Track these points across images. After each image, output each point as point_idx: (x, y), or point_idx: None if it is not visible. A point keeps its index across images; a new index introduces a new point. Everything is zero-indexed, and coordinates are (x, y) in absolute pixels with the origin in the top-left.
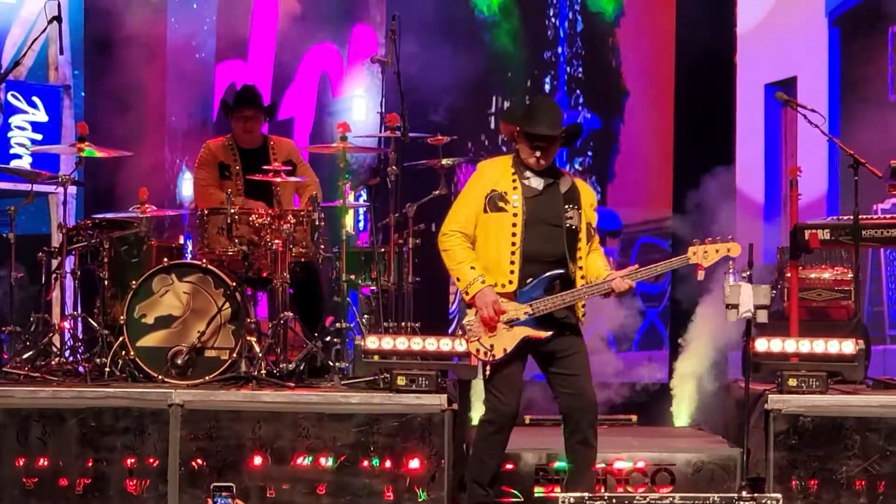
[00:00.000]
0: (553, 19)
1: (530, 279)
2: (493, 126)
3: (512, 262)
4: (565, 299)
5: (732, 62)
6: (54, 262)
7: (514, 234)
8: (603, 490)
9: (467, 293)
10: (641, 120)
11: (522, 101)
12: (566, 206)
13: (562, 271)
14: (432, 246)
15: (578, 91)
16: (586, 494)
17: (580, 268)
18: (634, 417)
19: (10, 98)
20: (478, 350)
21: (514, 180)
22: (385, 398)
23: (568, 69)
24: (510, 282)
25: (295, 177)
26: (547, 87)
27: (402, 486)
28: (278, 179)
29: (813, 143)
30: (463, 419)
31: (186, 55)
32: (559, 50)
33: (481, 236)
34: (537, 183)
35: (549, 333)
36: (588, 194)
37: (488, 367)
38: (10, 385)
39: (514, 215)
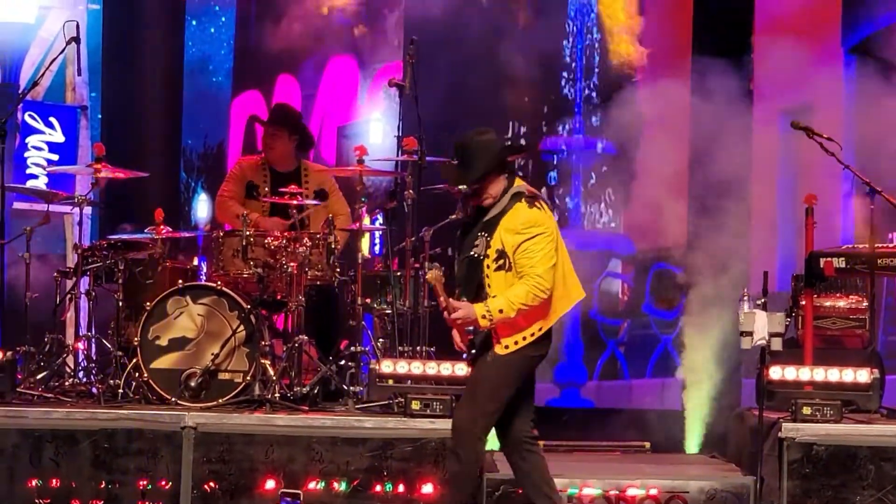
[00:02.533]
0: (570, 46)
1: None
2: None
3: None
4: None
5: (749, 89)
6: (69, 283)
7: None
8: None
9: None
10: (658, 147)
11: (539, 128)
12: (479, 234)
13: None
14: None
15: (595, 118)
16: None
17: (493, 296)
18: (648, 444)
19: (27, 118)
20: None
21: (467, 216)
22: (399, 423)
23: (585, 95)
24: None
25: (322, 202)
26: (563, 112)
27: None
28: (294, 202)
29: (829, 171)
30: None
31: (203, 78)
32: (576, 76)
33: None
34: (472, 217)
35: (469, 353)
36: (513, 219)
37: None
38: (23, 405)
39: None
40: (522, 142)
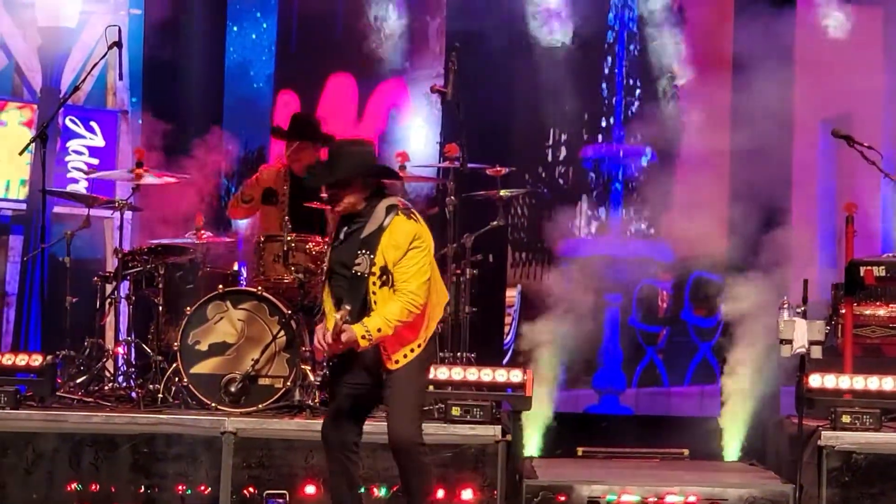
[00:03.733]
0: (611, 54)
1: None
2: (549, 158)
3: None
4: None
5: (790, 98)
6: (109, 287)
7: (325, 282)
8: None
9: None
10: (698, 155)
11: (580, 135)
12: (358, 252)
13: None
14: (489, 277)
15: (635, 125)
16: None
17: (370, 312)
18: (686, 451)
19: (68, 122)
20: None
21: (341, 228)
22: (439, 428)
23: (625, 103)
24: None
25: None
26: (603, 120)
27: None
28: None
29: (869, 180)
30: (516, 450)
31: (244, 84)
32: (616, 83)
33: None
34: (342, 231)
35: (326, 373)
36: (393, 234)
37: None
38: (63, 409)
39: (326, 265)
40: (563, 149)
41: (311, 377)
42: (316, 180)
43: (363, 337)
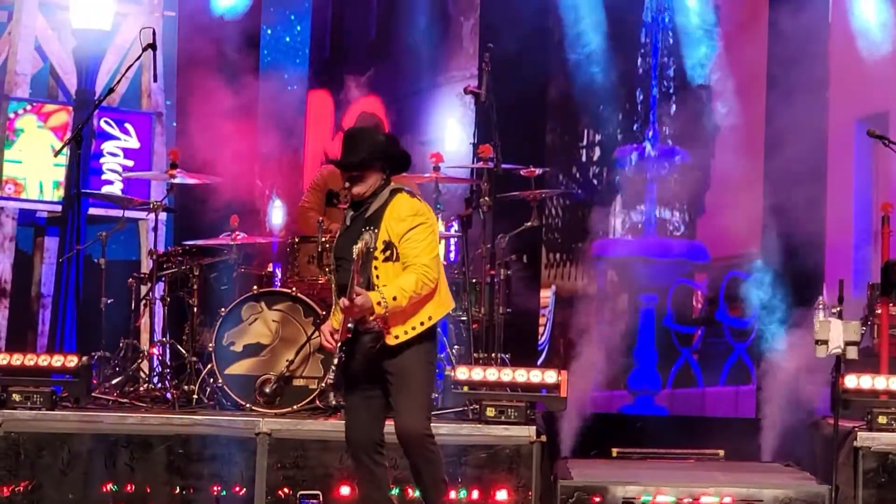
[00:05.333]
0: (645, 55)
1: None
2: (583, 159)
3: (333, 298)
4: (348, 325)
5: (825, 98)
6: (144, 289)
7: (329, 272)
8: None
9: None
10: (732, 155)
11: (614, 136)
12: (363, 229)
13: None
14: (523, 277)
15: (669, 125)
16: None
17: (377, 287)
18: (721, 452)
19: (102, 124)
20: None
21: (344, 218)
22: (474, 429)
23: (659, 103)
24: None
25: None
26: (638, 120)
27: None
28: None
29: None
30: (551, 451)
31: (279, 87)
32: (651, 84)
33: None
34: (349, 217)
35: (341, 357)
36: (396, 208)
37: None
38: (98, 410)
39: (332, 253)
40: (597, 150)
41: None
42: (339, 164)
43: (378, 303)
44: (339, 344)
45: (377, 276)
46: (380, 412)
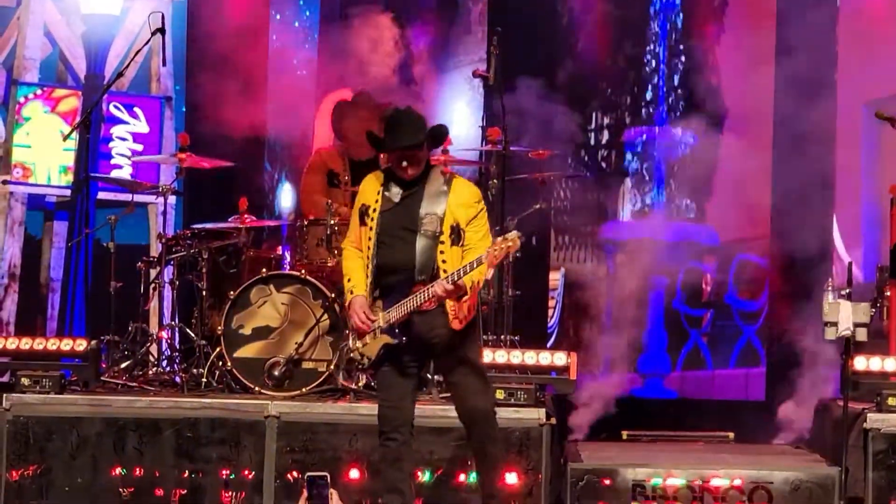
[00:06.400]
0: (653, 39)
1: (387, 289)
2: (592, 142)
3: (368, 276)
4: (411, 306)
5: (833, 80)
6: (153, 272)
7: (369, 248)
8: None
9: (347, 304)
10: (740, 137)
11: (622, 119)
12: (425, 213)
13: (414, 278)
14: (532, 260)
15: (677, 108)
16: None
17: (444, 271)
18: (731, 434)
19: (112, 109)
20: (356, 360)
21: (378, 193)
22: None
23: (667, 87)
24: (368, 293)
25: None
26: (647, 103)
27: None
28: None
29: None
30: (561, 434)
31: (287, 71)
32: (659, 68)
33: (362, 249)
34: (396, 194)
35: (403, 340)
36: (461, 193)
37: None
38: (107, 394)
39: (371, 229)
40: (606, 133)
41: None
42: (418, 138)
43: (471, 287)
44: (391, 324)
45: (443, 261)
46: (415, 393)
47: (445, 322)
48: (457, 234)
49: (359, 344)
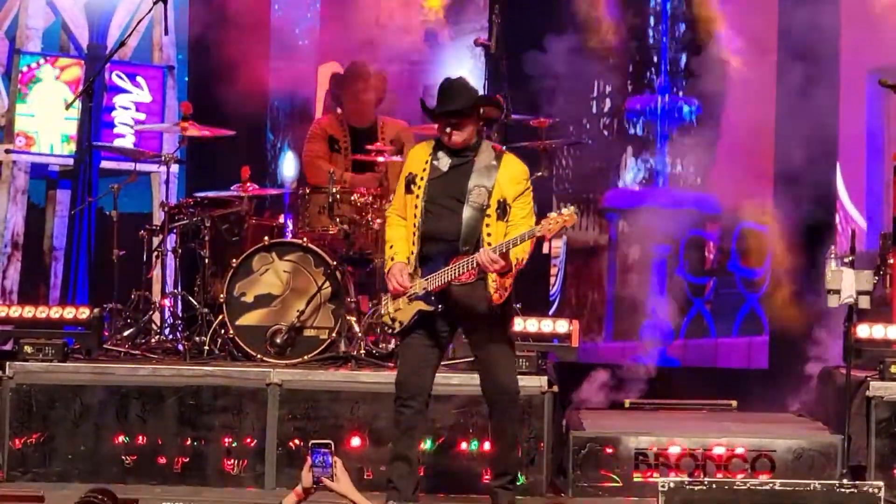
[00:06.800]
0: (656, 4)
1: (428, 257)
2: (594, 110)
3: (413, 243)
4: (451, 275)
5: (836, 47)
6: (156, 241)
7: (415, 216)
8: (703, 475)
9: (387, 270)
10: (743, 106)
11: (624, 87)
12: (474, 185)
13: (457, 249)
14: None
15: (680, 76)
16: (686, 479)
17: (489, 244)
18: (734, 403)
19: (114, 78)
20: (386, 324)
21: (426, 162)
22: None
23: (670, 55)
24: (409, 261)
25: (400, 157)
26: (649, 71)
27: None
28: (380, 159)
29: None
30: (563, 401)
31: (290, 41)
32: (662, 36)
33: (407, 216)
34: (445, 163)
35: (438, 307)
36: (511, 169)
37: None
38: (110, 362)
39: (417, 197)
40: (608, 101)
41: (357, 328)
42: (459, 105)
43: (515, 263)
44: (427, 291)
45: (488, 234)
46: (436, 363)
47: (486, 295)
48: (503, 210)
49: (391, 308)
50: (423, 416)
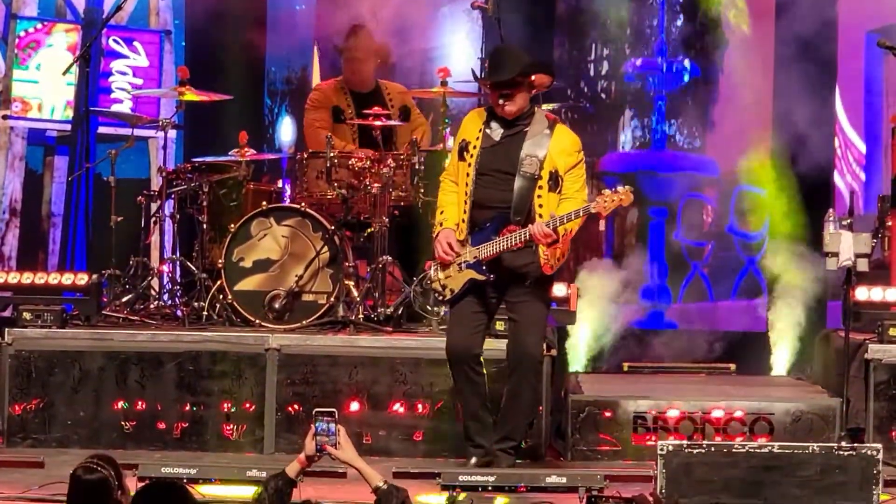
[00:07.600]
0: None
1: (479, 226)
2: (591, 73)
3: (464, 211)
4: (503, 246)
5: (835, 8)
6: (153, 206)
7: (466, 184)
8: (701, 438)
9: (435, 235)
10: (741, 69)
11: (622, 49)
12: (526, 154)
13: (508, 217)
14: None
15: (678, 39)
16: (685, 442)
17: (540, 216)
18: (733, 366)
19: (111, 43)
20: (436, 291)
21: (480, 130)
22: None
23: (667, 17)
24: (459, 226)
25: (407, 122)
26: (647, 34)
27: None
28: (378, 123)
29: None
30: (561, 365)
31: (286, 5)
32: None
33: (459, 183)
34: (497, 133)
35: (491, 277)
36: (562, 140)
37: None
38: (109, 328)
39: (469, 165)
40: (605, 64)
41: (355, 293)
42: (509, 74)
43: (563, 235)
44: (479, 260)
45: (539, 205)
46: (484, 328)
47: (536, 262)
48: (555, 181)
49: (441, 275)
50: (480, 374)
